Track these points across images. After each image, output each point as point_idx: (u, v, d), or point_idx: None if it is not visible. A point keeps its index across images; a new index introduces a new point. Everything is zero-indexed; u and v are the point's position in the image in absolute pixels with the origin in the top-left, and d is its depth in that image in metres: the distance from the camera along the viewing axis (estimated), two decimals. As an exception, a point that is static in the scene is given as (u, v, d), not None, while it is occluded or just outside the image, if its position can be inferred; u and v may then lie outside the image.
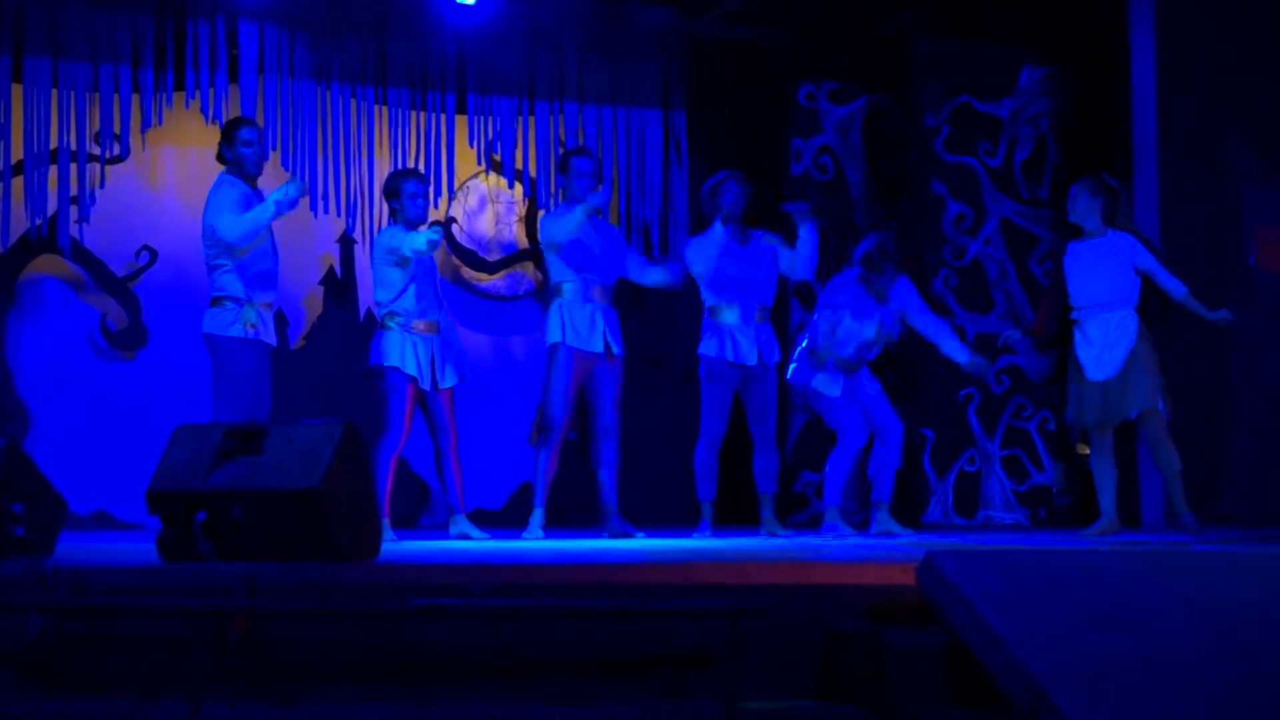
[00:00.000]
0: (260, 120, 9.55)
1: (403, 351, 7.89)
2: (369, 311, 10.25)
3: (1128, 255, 7.82)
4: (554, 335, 8.19)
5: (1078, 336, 7.89)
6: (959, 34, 10.35)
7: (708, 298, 8.42)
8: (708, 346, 8.39)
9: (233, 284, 7.49)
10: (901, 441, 8.44)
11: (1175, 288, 7.77)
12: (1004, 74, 10.47)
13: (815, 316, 8.51)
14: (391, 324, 7.92)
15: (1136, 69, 9.44)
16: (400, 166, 9.97)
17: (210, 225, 7.50)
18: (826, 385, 8.37)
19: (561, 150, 8.93)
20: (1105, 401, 7.79)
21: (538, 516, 8.22)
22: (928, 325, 8.58)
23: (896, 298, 8.47)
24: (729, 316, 8.36)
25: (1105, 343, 7.77)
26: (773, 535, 8.32)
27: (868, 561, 5.11)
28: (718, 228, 8.36)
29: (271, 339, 7.63)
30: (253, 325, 7.46)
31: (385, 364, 7.90)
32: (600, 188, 8.18)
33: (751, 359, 8.34)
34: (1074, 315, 7.92)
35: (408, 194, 8.02)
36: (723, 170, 8.55)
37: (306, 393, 9.36)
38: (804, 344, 8.57)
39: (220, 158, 7.68)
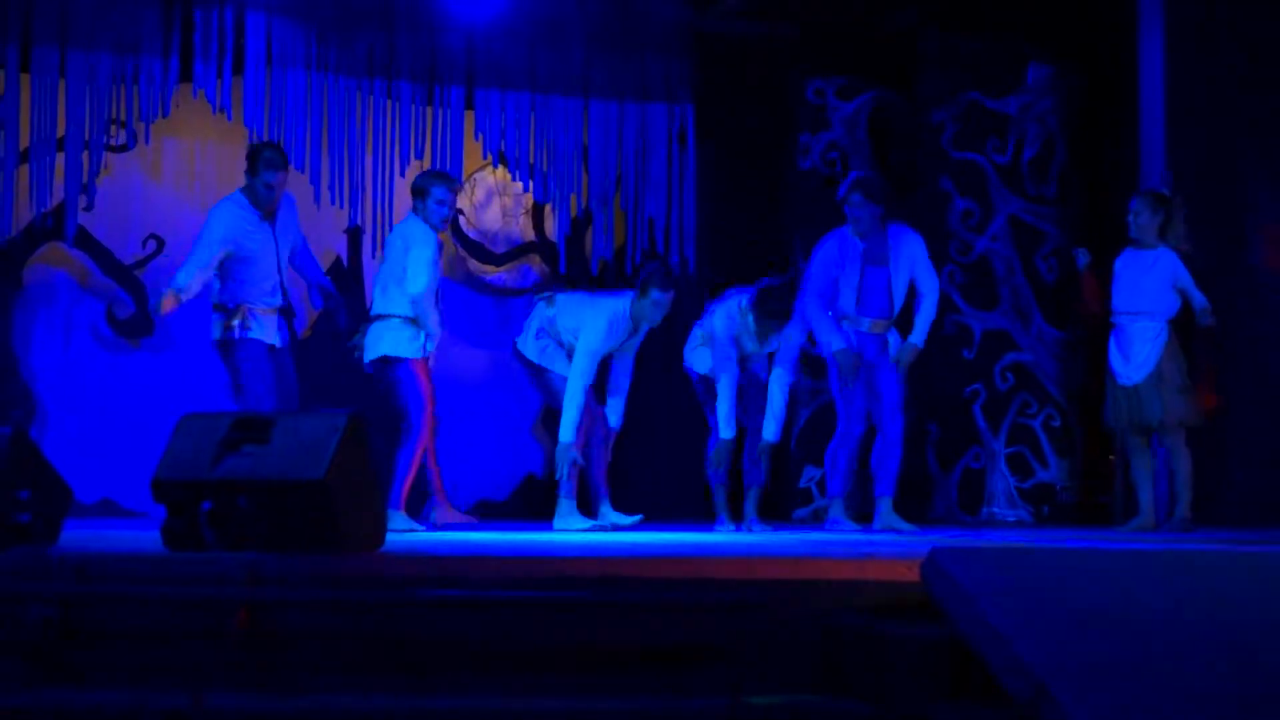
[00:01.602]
0: (266, 111, 9.60)
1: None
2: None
3: (1170, 272, 8.13)
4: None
5: (1113, 342, 8.19)
6: (966, 30, 10.35)
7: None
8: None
9: (222, 291, 7.77)
10: (901, 435, 8.41)
11: (1199, 302, 8.11)
12: (1011, 71, 10.46)
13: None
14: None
15: (1145, 66, 9.42)
16: (405, 159, 10.01)
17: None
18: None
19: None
20: (1133, 405, 8.09)
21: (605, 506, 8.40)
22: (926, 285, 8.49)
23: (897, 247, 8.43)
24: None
25: (1138, 349, 8.08)
26: (749, 530, 8.30)
27: (871, 557, 5.12)
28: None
29: (270, 338, 7.81)
30: (233, 327, 7.72)
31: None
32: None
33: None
34: (1113, 319, 8.20)
35: (435, 199, 8.05)
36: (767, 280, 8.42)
37: (312, 383, 9.36)
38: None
39: (249, 170, 7.89)
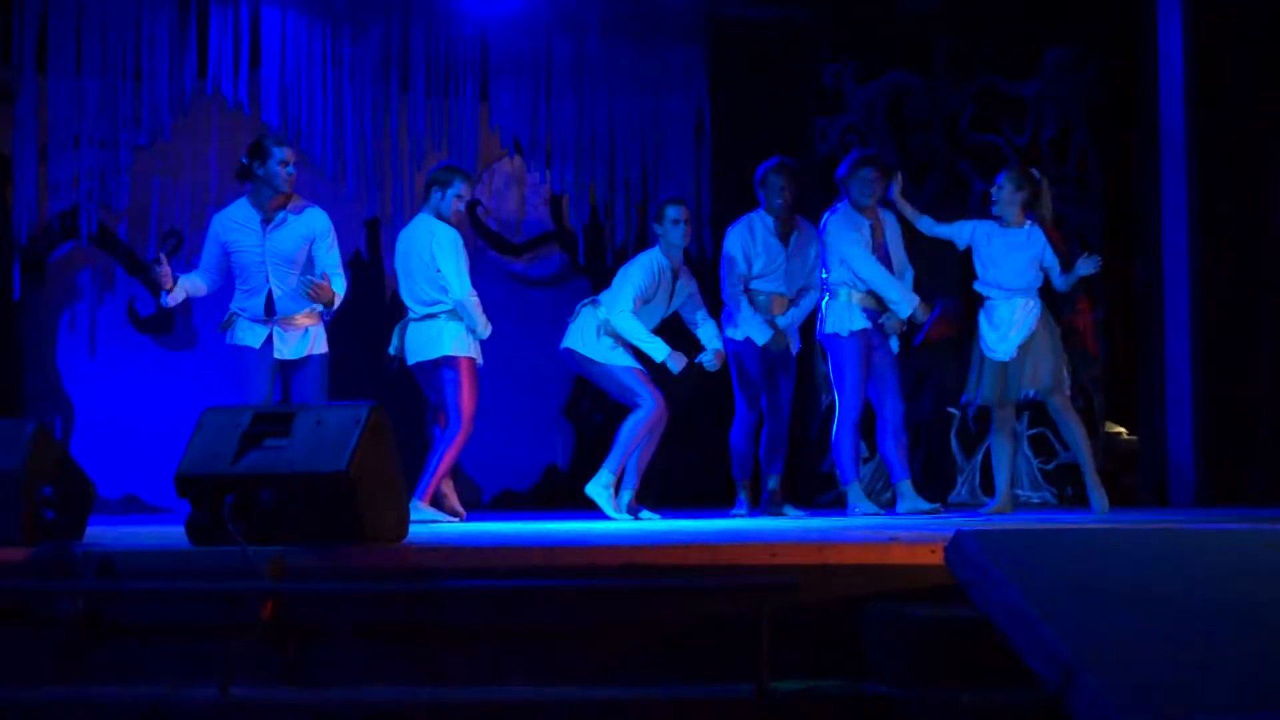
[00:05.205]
0: (283, 105, 9.62)
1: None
2: (394, 294, 10.27)
3: (1039, 249, 8.03)
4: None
5: (983, 318, 8.07)
6: (983, 13, 10.32)
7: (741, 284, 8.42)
8: (736, 331, 8.41)
9: (233, 299, 7.57)
10: (901, 416, 8.36)
11: (1059, 284, 8.04)
12: (1028, 54, 10.43)
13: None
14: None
15: (1164, 47, 9.39)
16: (423, 150, 10.02)
17: None
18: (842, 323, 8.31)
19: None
20: (1005, 380, 7.98)
21: (625, 496, 8.30)
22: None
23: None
24: (766, 303, 8.39)
25: (1010, 325, 7.97)
26: (782, 515, 8.31)
27: (895, 540, 5.11)
28: (763, 218, 8.38)
29: (257, 344, 7.48)
30: (226, 329, 7.53)
31: None
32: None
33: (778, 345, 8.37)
34: (985, 294, 8.08)
35: (456, 192, 7.93)
36: (775, 157, 8.47)
37: (332, 375, 9.39)
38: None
39: (245, 174, 7.45)
